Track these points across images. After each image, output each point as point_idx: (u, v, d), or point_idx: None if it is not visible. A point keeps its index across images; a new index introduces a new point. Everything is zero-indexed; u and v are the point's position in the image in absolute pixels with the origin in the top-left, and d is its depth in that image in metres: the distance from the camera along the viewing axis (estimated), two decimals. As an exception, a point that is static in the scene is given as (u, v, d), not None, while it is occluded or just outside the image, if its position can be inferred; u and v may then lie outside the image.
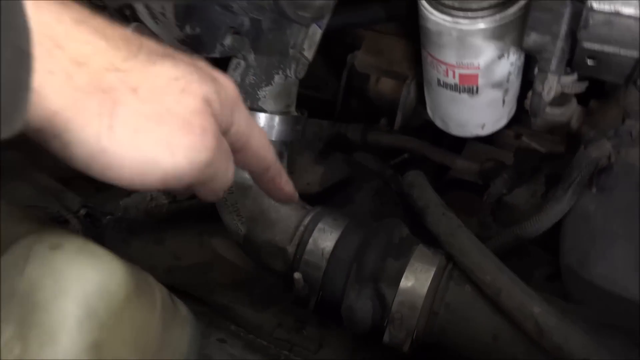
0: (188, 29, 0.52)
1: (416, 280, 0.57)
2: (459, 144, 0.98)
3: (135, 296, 0.33)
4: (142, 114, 0.30)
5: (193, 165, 0.33)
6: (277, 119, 0.63)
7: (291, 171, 0.78)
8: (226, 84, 0.36)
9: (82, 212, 0.74)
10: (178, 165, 0.32)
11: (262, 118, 0.62)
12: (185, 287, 0.66)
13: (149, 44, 0.32)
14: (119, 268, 0.32)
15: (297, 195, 0.48)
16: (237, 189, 0.63)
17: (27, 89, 0.26)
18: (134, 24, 0.50)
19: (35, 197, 0.74)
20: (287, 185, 0.47)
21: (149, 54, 0.31)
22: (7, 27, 0.24)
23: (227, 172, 0.37)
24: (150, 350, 0.34)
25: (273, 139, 0.63)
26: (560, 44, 0.57)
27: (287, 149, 0.67)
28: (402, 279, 0.57)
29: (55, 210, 0.71)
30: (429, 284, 0.56)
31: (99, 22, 0.30)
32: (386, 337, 0.57)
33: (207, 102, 0.33)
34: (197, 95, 0.33)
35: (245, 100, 0.63)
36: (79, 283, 0.29)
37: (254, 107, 0.63)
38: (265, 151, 0.42)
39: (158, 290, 0.37)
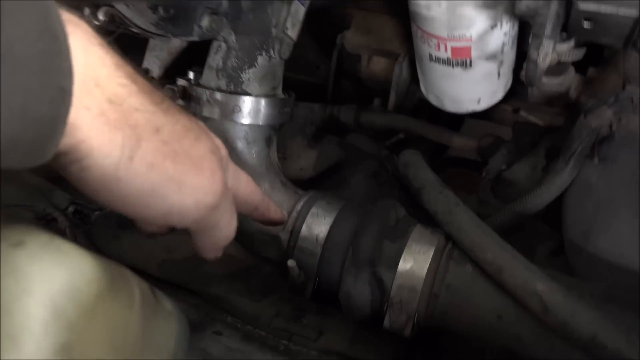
0: (161, 11, 0.49)
1: (415, 262, 0.55)
2: (455, 124, 0.96)
3: (109, 293, 0.31)
4: (161, 152, 0.33)
5: (198, 205, 0.36)
6: (263, 102, 0.61)
7: (284, 156, 0.76)
8: (219, 143, 0.41)
9: (71, 209, 0.73)
10: (184, 203, 0.35)
11: (247, 102, 0.60)
12: (179, 280, 0.65)
13: (169, 100, 0.36)
14: (89, 264, 0.30)
15: (286, 216, 0.53)
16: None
17: (64, 124, 0.28)
18: (104, 8, 0.48)
19: (22, 196, 0.72)
20: (275, 214, 0.51)
21: (169, 105, 0.36)
22: (55, 69, 0.27)
23: (229, 225, 0.40)
24: (129, 349, 0.32)
25: (260, 123, 0.61)
26: (554, 6, 0.54)
27: (276, 133, 0.65)
28: (400, 262, 0.55)
29: (42, 208, 0.69)
30: (428, 265, 0.54)
31: (132, 69, 0.33)
32: (386, 323, 0.55)
33: (214, 152, 0.38)
34: (207, 144, 0.37)
35: (228, 84, 0.61)
36: (44, 282, 0.28)
37: (238, 91, 0.60)
38: (252, 196, 0.46)
39: (137, 285, 0.35)
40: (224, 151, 0.41)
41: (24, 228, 0.30)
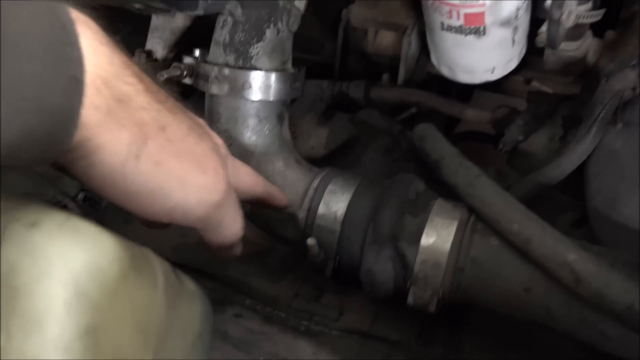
0: (166, -18, 0.47)
1: (438, 236, 0.53)
2: (464, 98, 0.94)
3: (132, 273, 0.30)
4: (166, 150, 0.34)
5: (201, 204, 0.36)
6: (273, 77, 0.59)
7: (294, 136, 0.74)
8: (220, 142, 0.42)
9: (81, 196, 0.72)
10: (187, 201, 0.35)
11: (257, 77, 0.58)
12: (195, 263, 0.64)
13: (172, 98, 0.37)
14: (110, 243, 0.29)
15: (289, 200, 0.53)
16: (239, 156, 0.59)
17: (78, 115, 0.28)
18: (107, -19, 0.45)
19: (30, 185, 0.71)
20: (280, 201, 0.51)
21: (173, 104, 0.36)
22: (65, 59, 0.27)
23: (234, 222, 0.41)
24: (155, 330, 0.31)
25: (271, 99, 0.59)
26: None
27: (288, 109, 0.63)
28: (423, 236, 0.53)
29: (51, 196, 0.68)
30: (451, 239, 0.53)
31: (138, 68, 0.34)
32: (410, 299, 0.54)
33: (216, 150, 0.38)
34: (209, 143, 0.38)
35: (236, 59, 0.59)
36: (64, 262, 0.26)
37: (247, 66, 0.58)
38: (254, 189, 0.47)
39: (159, 265, 0.34)
40: (224, 149, 0.41)
41: (37, 208, 0.28)
